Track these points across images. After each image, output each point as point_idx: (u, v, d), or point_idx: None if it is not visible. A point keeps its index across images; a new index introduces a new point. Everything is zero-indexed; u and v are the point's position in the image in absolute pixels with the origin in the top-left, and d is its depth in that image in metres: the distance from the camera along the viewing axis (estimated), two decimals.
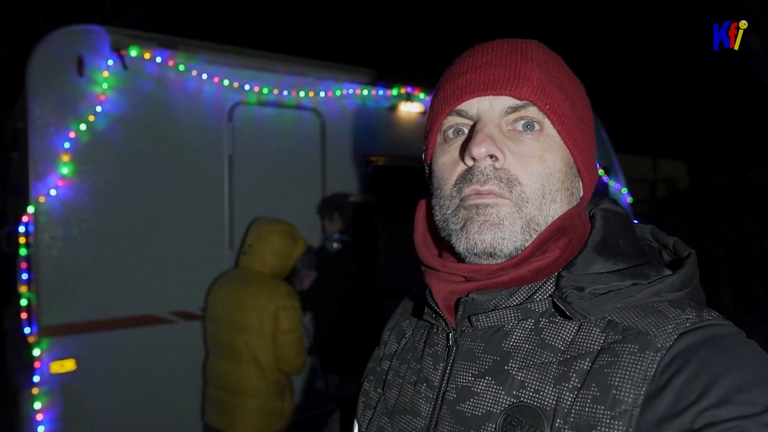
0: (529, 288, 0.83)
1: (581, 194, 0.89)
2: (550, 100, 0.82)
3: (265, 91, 3.90)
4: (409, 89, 4.65)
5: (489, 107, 0.83)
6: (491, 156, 0.80)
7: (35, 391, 3.04)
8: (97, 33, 3.27)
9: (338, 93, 4.27)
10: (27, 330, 3.21)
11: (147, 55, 3.41)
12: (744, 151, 14.87)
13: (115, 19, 8.61)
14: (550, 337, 0.79)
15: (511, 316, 0.82)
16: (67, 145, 3.13)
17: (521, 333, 0.82)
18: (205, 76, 3.65)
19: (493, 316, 0.83)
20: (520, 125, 0.83)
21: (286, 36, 11.48)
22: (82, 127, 3.17)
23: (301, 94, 4.06)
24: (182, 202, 3.59)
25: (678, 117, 16.05)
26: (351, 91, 4.35)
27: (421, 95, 4.76)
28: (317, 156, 4.18)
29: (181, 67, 3.55)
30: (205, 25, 10.05)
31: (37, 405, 3.03)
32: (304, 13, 11.78)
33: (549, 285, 0.83)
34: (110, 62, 3.27)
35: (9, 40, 8.81)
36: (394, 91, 4.59)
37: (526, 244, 0.81)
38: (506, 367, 0.79)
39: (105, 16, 8.75)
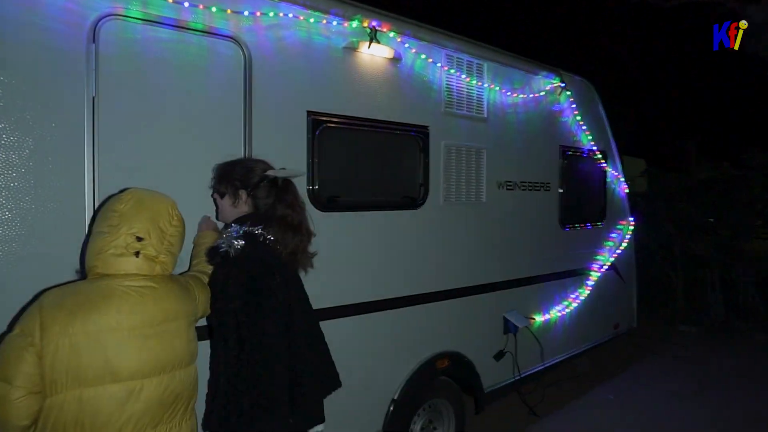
0: None
1: None
2: None
3: (156, 0, 2.51)
4: (375, 23, 3.32)
5: None
6: None
7: None
8: None
9: (272, 17, 2.91)
10: None
11: None
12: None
13: None
14: None
15: None
16: None
17: None
18: None
19: None
20: None
21: None
22: None
23: (214, 10, 2.69)
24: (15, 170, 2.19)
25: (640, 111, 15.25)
26: (291, 15, 2.99)
27: (392, 34, 3.45)
28: (237, 108, 2.81)
29: None
30: None
31: None
32: None
33: None
34: None
35: None
36: (354, 24, 3.26)
37: None
38: None
39: None
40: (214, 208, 2.52)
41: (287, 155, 2.99)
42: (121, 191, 2.02)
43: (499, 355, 4.30)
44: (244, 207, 2.35)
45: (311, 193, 3.11)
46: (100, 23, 2.39)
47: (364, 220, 3.38)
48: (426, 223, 3.73)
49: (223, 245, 2.15)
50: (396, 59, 3.48)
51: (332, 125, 3.21)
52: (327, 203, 3.19)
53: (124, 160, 2.46)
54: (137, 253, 1.83)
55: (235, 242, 2.14)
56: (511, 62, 4.39)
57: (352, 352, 3.22)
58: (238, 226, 2.21)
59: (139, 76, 2.50)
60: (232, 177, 2.37)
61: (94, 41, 2.37)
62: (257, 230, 2.21)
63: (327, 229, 3.17)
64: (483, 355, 4.17)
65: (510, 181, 4.41)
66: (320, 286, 3.13)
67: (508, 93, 4.34)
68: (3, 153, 2.17)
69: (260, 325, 2.08)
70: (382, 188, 3.58)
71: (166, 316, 1.86)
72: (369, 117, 3.38)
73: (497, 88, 4.22)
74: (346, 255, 3.28)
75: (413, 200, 3.68)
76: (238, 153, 2.77)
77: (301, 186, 3.02)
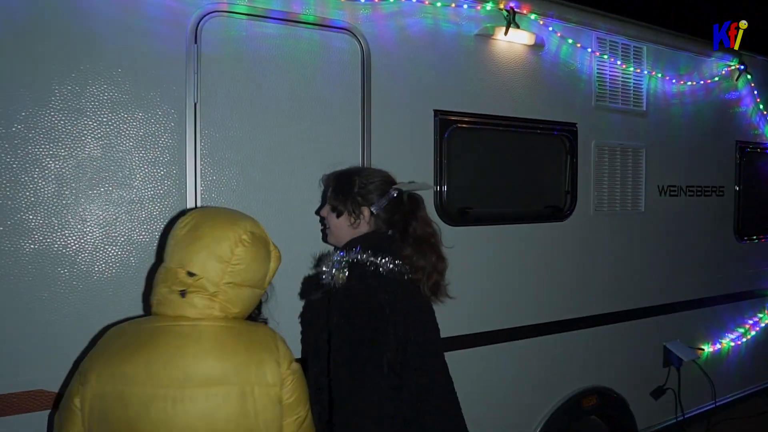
0: None
1: None
2: None
3: None
4: (513, 5, 2.84)
5: None
6: None
7: None
8: None
9: (392, 3, 2.53)
10: None
11: None
12: None
13: None
14: None
15: None
16: None
17: None
18: None
19: None
20: None
21: None
22: None
23: (329, 2, 2.37)
24: (115, 181, 2.02)
25: None
26: (415, 1, 2.59)
27: (533, 16, 2.94)
28: (354, 109, 2.47)
29: None
30: None
31: None
32: None
33: None
34: None
35: None
36: (488, 7, 2.80)
37: None
38: None
39: None
40: (321, 227, 2.18)
41: (412, 162, 2.61)
42: (189, 211, 1.74)
43: (658, 392, 3.64)
44: (364, 227, 1.93)
45: (439, 204, 2.70)
46: (202, 21, 2.15)
47: (500, 235, 2.91)
48: (573, 236, 3.17)
49: (326, 275, 1.78)
50: (538, 46, 2.97)
51: (463, 126, 2.77)
52: (457, 216, 2.78)
53: (229, 172, 2.21)
54: (182, 293, 1.42)
55: (341, 273, 1.75)
56: (677, 44, 3.67)
57: (481, 388, 2.81)
58: (354, 252, 1.81)
59: (245, 77, 2.24)
60: (353, 191, 1.92)
61: (195, 42, 2.14)
62: (382, 258, 1.80)
63: (456, 246, 2.74)
64: (638, 392, 3.53)
65: (674, 186, 3.69)
66: (447, 312, 2.72)
67: (673, 81, 3.63)
68: (102, 166, 2.00)
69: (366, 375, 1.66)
70: (521, 197, 3.08)
71: (209, 377, 1.36)
72: (506, 115, 2.90)
73: (659, 75, 3.53)
74: (478, 276, 2.84)
75: (558, 211, 3.14)
76: (356, 161, 2.44)
77: (427, 195, 2.64)
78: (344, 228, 1.94)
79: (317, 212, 2.17)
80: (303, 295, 2.12)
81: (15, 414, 1.88)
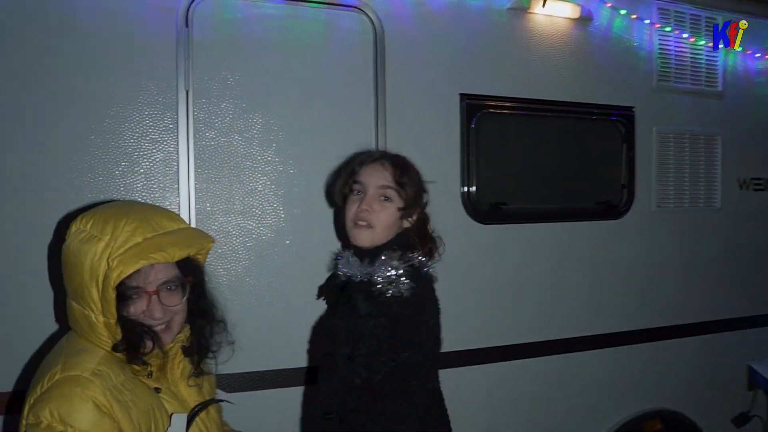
0: None
1: None
2: None
3: None
4: None
5: None
6: None
7: None
8: None
9: None
10: None
11: None
12: None
13: None
14: None
15: None
16: None
17: None
18: None
19: None
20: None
21: None
22: None
23: None
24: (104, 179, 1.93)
25: None
26: None
27: None
28: (365, 95, 2.24)
29: None
30: None
31: None
32: None
33: None
34: None
35: None
36: None
37: None
38: None
39: None
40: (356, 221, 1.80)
41: (435, 153, 2.35)
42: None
43: (741, 419, 3.13)
44: (405, 223, 1.67)
45: (467, 200, 2.42)
46: (194, 4, 1.99)
47: (540, 235, 2.58)
48: (630, 237, 2.77)
49: (386, 285, 1.52)
50: (584, 19, 2.60)
51: (494, 111, 2.48)
52: (489, 213, 2.48)
53: (224, 166, 2.05)
54: None
55: (403, 282, 1.52)
56: (761, 10, 3.16)
57: (524, 406, 2.55)
58: (414, 257, 1.60)
59: (242, 63, 2.07)
60: (422, 185, 1.69)
61: (187, 26, 1.99)
62: (418, 258, 1.62)
63: (489, 247, 2.47)
64: (715, 418, 3.05)
65: (759, 179, 3.17)
66: (480, 321, 2.46)
67: (757, 55, 3.12)
68: (90, 155, 1.90)
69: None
70: (567, 192, 2.71)
71: None
72: (546, 99, 2.57)
73: (739, 49, 3.04)
74: (514, 281, 2.53)
75: (612, 207, 2.76)
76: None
77: (453, 189, 2.37)
78: (392, 226, 1.65)
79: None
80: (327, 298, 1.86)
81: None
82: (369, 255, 1.61)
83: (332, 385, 1.50)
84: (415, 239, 1.66)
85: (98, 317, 1.19)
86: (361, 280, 1.56)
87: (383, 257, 1.57)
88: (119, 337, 1.21)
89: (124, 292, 1.19)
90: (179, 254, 1.23)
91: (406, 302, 1.51)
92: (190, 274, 1.34)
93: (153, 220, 1.25)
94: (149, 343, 1.25)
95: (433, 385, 1.60)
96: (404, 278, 1.53)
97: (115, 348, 1.22)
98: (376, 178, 1.63)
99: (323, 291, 1.86)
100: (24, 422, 1.15)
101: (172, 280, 1.28)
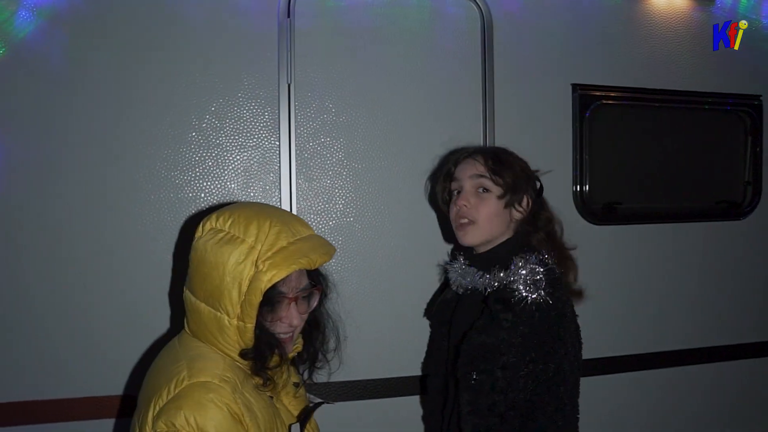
0: None
1: None
2: None
3: None
4: None
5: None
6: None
7: None
8: None
9: None
10: None
11: None
12: None
13: None
14: None
15: None
16: None
17: None
18: None
19: None
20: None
21: None
22: None
23: None
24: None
25: None
26: None
27: None
28: (473, 86, 2.09)
29: None
30: None
31: None
32: None
33: None
34: None
35: None
36: None
37: None
38: None
39: None
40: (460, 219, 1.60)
41: (545, 147, 2.17)
42: None
43: None
44: (516, 214, 1.55)
45: (578, 199, 2.24)
46: None
47: (658, 236, 2.37)
48: (756, 238, 2.52)
49: (528, 290, 1.39)
50: (706, 0, 2.38)
51: (609, 102, 2.28)
52: (603, 213, 2.30)
53: (325, 163, 1.95)
54: None
55: (543, 287, 1.39)
56: None
57: (635, 422, 2.33)
58: (549, 263, 1.45)
59: (345, 53, 1.96)
60: (521, 172, 1.55)
61: (288, 15, 1.89)
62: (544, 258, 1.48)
63: (603, 249, 2.28)
64: None
65: None
66: (593, 330, 2.26)
67: None
68: (190, 152, 1.84)
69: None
70: (685, 190, 2.49)
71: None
72: (664, 88, 2.35)
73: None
74: (629, 287, 2.32)
75: (735, 207, 2.51)
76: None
77: (565, 187, 2.20)
78: (497, 219, 1.52)
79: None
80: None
81: None
82: (484, 260, 1.51)
83: (478, 407, 1.35)
84: (535, 238, 1.52)
85: (232, 321, 1.10)
86: (497, 289, 1.42)
87: (519, 261, 1.42)
88: (251, 344, 1.12)
89: (272, 297, 1.09)
90: (320, 260, 1.14)
91: (548, 308, 1.37)
92: (319, 283, 1.24)
93: (291, 225, 1.16)
94: (276, 353, 1.15)
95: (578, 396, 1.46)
96: (544, 283, 1.39)
97: (243, 355, 1.13)
98: (468, 171, 1.53)
99: (436, 309, 1.73)
100: (149, 428, 1.06)
101: (307, 288, 1.19)
